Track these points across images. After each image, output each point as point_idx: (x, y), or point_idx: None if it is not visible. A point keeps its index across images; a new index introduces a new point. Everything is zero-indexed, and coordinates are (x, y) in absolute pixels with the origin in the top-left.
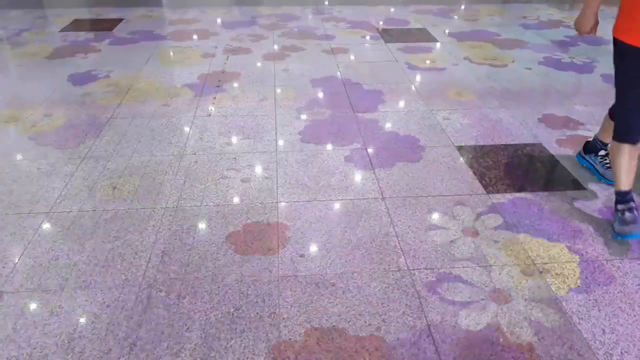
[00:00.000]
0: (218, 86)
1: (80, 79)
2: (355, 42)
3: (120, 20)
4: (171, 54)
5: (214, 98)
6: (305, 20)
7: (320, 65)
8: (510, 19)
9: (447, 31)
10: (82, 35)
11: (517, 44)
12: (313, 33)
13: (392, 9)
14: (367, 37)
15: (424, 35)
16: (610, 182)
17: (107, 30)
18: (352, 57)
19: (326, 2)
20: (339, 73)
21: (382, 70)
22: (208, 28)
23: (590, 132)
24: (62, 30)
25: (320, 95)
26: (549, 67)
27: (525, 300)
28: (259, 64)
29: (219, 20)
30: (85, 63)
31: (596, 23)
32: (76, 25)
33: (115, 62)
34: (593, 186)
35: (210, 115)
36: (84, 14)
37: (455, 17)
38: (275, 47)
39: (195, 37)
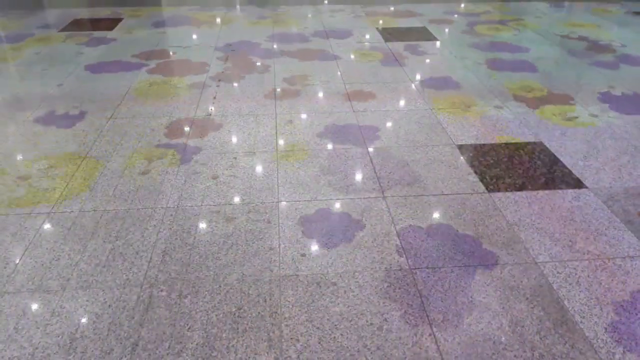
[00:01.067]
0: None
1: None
2: (366, 70)
3: (119, 20)
4: (151, 87)
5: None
6: (311, 42)
7: (331, 110)
8: (542, 35)
9: (480, 61)
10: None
11: (570, 83)
12: (321, 60)
13: (394, 8)
14: (380, 63)
15: (448, 62)
16: None
17: (107, 30)
18: (369, 100)
19: (326, 2)
20: (355, 120)
21: (409, 121)
22: (200, 52)
23: None
24: (62, 30)
25: (333, 155)
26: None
27: (527, 299)
28: (254, 105)
29: (214, 40)
30: (51, 101)
31: None
32: (75, 25)
33: (86, 96)
34: (593, 185)
35: (210, 115)
36: (84, 13)
37: (476, 30)
38: (277, 80)
39: (182, 65)
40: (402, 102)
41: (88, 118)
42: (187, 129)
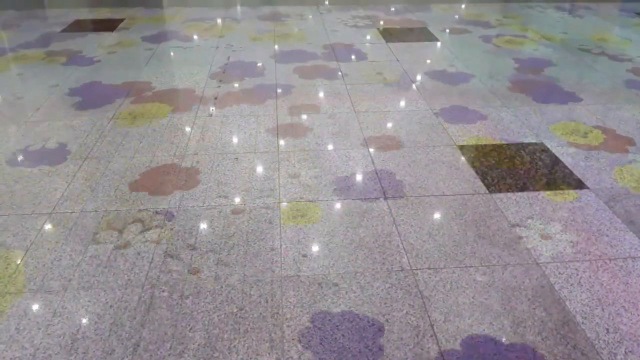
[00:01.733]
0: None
1: None
2: (378, 95)
3: (121, 20)
4: (131, 122)
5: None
6: (318, 59)
7: (345, 159)
8: (569, 51)
9: (510, 87)
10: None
11: (624, 119)
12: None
13: (401, 17)
14: (394, 87)
15: (472, 88)
16: None
17: (108, 30)
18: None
19: (326, 2)
20: (373, 167)
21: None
22: (194, 79)
23: None
24: (63, 31)
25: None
26: None
27: (529, 300)
28: (253, 141)
29: (211, 65)
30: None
31: None
32: (77, 26)
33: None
34: (595, 185)
35: (211, 115)
36: (85, 14)
37: (497, 44)
38: (279, 113)
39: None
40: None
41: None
42: (170, 177)
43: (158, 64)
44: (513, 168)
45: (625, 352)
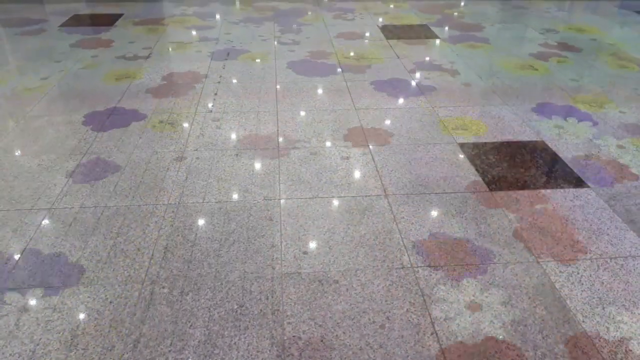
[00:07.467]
0: None
1: None
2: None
3: (120, 15)
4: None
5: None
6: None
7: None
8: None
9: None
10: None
11: None
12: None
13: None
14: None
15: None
16: None
17: (107, 25)
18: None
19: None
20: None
21: None
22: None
23: None
24: (62, 25)
25: None
26: None
27: (529, 298)
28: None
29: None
30: None
31: None
32: (76, 20)
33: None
34: (594, 184)
35: (211, 111)
36: (84, 8)
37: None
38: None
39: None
40: None
41: None
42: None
43: (157, 60)
44: (513, 166)
45: (626, 351)
